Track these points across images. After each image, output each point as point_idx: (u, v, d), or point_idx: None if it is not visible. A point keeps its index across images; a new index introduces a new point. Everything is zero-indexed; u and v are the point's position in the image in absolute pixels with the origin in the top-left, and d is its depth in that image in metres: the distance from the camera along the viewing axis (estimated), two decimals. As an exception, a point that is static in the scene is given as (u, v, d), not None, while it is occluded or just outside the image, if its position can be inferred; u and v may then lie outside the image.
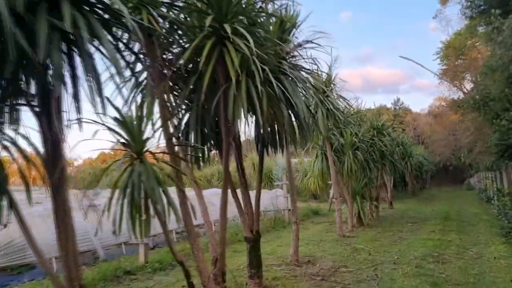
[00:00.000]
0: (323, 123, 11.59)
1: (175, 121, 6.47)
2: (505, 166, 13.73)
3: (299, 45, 7.05)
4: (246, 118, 6.46)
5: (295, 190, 17.47)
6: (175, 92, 6.17)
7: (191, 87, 5.73)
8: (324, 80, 12.18)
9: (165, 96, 5.85)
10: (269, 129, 6.63)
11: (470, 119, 27.60)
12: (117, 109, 4.78)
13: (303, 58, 7.34)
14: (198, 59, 5.33)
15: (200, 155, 6.71)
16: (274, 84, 5.52)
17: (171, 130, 5.79)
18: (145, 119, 5.11)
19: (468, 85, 28.96)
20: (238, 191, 7.32)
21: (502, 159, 13.16)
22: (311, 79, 8.66)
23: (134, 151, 5.02)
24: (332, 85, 12.34)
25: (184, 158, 6.16)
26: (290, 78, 6.32)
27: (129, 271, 8.51)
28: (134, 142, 5.00)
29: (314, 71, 7.97)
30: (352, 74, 78.13)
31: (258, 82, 5.27)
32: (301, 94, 6.56)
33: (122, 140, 4.96)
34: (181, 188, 5.79)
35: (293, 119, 6.79)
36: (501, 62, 11.45)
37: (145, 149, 5.06)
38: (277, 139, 6.92)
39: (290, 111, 6.41)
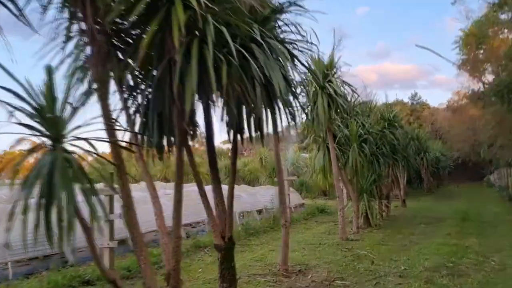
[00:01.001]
0: (324, 111, 10.24)
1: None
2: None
3: (281, 9, 5.70)
4: (210, 99, 5.21)
5: (286, 187, 16.18)
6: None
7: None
8: (325, 63, 10.84)
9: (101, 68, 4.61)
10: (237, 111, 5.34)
11: (491, 111, 25.89)
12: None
13: (293, 32, 6.03)
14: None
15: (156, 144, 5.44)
16: (234, 53, 4.21)
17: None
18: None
19: (490, 77, 27.14)
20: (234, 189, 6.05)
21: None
22: (308, 61, 7.44)
23: (50, 135, 3.81)
24: (335, 69, 10.95)
25: (129, 148, 4.91)
26: (265, 48, 5.02)
27: (88, 280, 7.32)
28: (47, 124, 3.78)
29: (311, 50, 6.55)
30: (368, 70, 76.08)
31: (210, 46, 4.00)
32: (281, 69, 5.22)
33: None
34: (125, 186, 4.57)
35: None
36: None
37: (66, 134, 3.85)
38: (253, 124, 5.61)
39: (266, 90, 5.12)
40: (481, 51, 26.25)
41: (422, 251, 9.32)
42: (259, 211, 17.19)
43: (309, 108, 10.74)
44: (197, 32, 4.31)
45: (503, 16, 22.59)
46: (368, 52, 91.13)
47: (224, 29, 4.20)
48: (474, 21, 26.36)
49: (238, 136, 5.87)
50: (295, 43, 6.09)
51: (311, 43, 6.03)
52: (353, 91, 11.35)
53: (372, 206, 13.55)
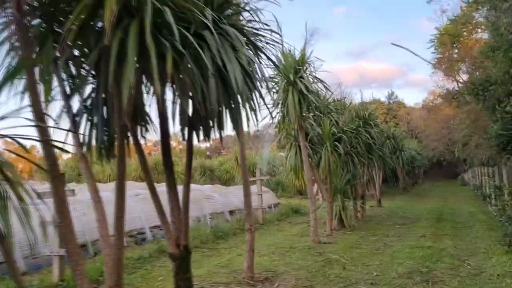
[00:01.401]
0: (294, 108, 9.75)
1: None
2: (505, 160, 11.95)
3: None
4: (162, 92, 4.63)
5: (258, 187, 15.60)
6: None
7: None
8: (296, 58, 10.34)
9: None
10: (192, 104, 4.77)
11: (466, 111, 25.93)
12: None
13: (258, 22, 5.48)
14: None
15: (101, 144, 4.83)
16: (176, 36, 3.65)
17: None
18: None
19: (464, 77, 27.19)
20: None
21: (504, 152, 11.36)
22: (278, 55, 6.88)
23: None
24: (307, 64, 10.47)
25: (61, 148, 4.29)
26: (221, 36, 4.48)
27: (32, 292, 6.65)
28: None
29: (278, 43, 5.98)
30: (346, 69, 76.51)
31: (148, 29, 3.44)
32: (239, 59, 4.66)
33: None
34: (59, 190, 4.00)
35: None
36: (506, 38, 9.63)
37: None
38: (207, 120, 5.04)
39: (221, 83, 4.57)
40: (456, 50, 26.32)
41: (396, 255, 8.91)
42: (232, 212, 16.65)
43: (279, 105, 10.25)
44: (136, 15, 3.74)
45: (477, 15, 22.62)
46: (346, 51, 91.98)
47: (167, 10, 3.63)
48: (449, 20, 26.37)
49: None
50: (261, 35, 5.55)
51: (276, 33, 5.48)
52: (326, 87, 10.90)
53: (347, 206, 13.15)
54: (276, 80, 10.39)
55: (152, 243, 10.89)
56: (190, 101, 4.54)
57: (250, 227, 7.34)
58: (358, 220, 14.70)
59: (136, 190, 20.09)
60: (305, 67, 10.35)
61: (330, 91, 11.54)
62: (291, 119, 10.03)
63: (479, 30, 25.03)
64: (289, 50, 10.28)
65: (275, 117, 10.50)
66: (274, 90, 10.47)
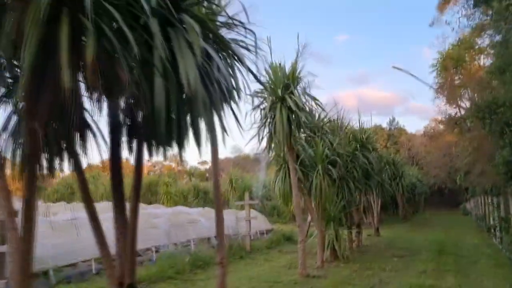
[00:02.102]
0: (282, 126, 8.83)
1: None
2: (515, 190, 10.95)
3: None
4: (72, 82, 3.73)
5: (247, 212, 14.49)
6: None
7: None
8: (287, 72, 9.50)
9: None
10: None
11: (468, 137, 25.01)
12: None
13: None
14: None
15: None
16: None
17: None
18: None
19: (467, 103, 26.42)
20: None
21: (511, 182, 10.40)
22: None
23: None
24: (298, 79, 9.61)
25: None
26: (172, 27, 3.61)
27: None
28: None
29: (261, 49, 5.10)
30: (347, 95, 76.25)
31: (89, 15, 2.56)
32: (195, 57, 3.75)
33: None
34: None
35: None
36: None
37: None
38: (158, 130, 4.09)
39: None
40: (459, 76, 25.62)
41: (393, 295, 7.85)
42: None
43: (267, 123, 9.35)
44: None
45: (479, 41, 21.98)
46: (348, 77, 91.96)
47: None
48: (452, 45, 25.73)
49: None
50: (240, 41, 4.70)
51: (249, 30, 4.59)
52: (318, 105, 9.99)
53: (340, 236, 12.08)
54: (264, 95, 9.51)
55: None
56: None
57: (221, 260, 6.29)
58: (353, 251, 13.60)
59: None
60: (296, 83, 9.48)
61: (324, 109, 10.61)
62: (279, 138, 9.11)
63: (482, 56, 24.38)
64: (279, 64, 9.46)
65: (262, 137, 9.57)
66: (262, 107, 9.61)
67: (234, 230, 14.63)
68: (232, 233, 14.71)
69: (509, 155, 9.89)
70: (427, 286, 8.50)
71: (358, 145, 13.92)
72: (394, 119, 72.66)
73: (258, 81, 7.31)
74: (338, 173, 12.06)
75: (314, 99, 9.85)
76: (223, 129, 4.50)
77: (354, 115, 15.50)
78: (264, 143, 9.82)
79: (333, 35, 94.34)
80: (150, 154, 4.42)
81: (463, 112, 25.98)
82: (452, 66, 24.62)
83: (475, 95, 22.38)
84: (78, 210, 20.96)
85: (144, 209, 20.84)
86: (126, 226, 4.58)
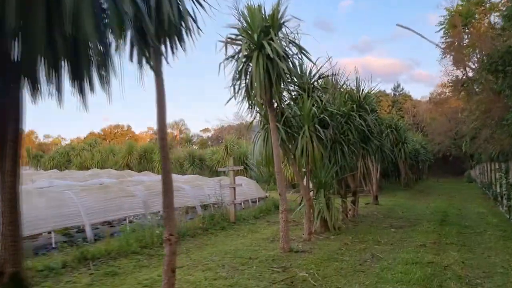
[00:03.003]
0: (259, 78, 7.47)
1: None
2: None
3: None
4: None
5: (231, 178, 13.20)
6: None
7: None
8: (267, 15, 8.05)
9: None
10: None
11: (476, 100, 23.61)
12: None
13: None
14: None
15: None
16: None
17: None
18: None
19: (476, 66, 24.78)
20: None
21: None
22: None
23: None
24: (280, 23, 8.15)
25: None
26: None
27: None
28: None
29: None
30: (351, 63, 74.01)
31: None
32: None
33: None
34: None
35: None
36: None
37: None
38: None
39: None
40: (467, 35, 23.89)
41: (384, 274, 6.64)
42: (206, 207, 14.48)
43: (242, 74, 8.00)
44: None
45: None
46: (352, 45, 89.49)
47: None
48: (461, 0, 23.93)
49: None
50: None
51: None
52: (304, 55, 8.52)
53: (332, 204, 10.88)
54: (239, 43, 8.10)
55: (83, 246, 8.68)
56: None
57: (169, 237, 5.08)
58: (348, 221, 12.45)
59: (103, 179, 17.99)
60: (277, 27, 8.04)
61: (312, 61, 9.15)
62: (256, 93, 7.77)
63: (494, 15, 22.59)
64: (258, 5, 8.00)
65: (238, 93, 8.23)
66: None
67: (217, 198, 13.47)
68: (215, 202, 13.57)
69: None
70: (425, 263, 7.31)
71: (354, 105, 12.55)
72: (399, 85, 70.88)
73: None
74: (331, 135, 10.80)
75: (299, 48, 8.39)
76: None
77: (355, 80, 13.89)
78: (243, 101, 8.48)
79: (337, 1, 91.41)
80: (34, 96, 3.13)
81: (470, 74, 24.45)
82: (460, 24, 22.87)
83: (484, 55, 20.85)
84: (64, 178, 19.98)
85: (123, 177, 19.85)
86: (14, 204, 3.34)
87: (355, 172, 13.43)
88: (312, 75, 10.79)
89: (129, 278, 6.74)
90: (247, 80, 8.01)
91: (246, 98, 8.26)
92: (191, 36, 5.02)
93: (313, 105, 9.69)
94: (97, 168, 37.84)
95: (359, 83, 13.33)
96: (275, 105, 8.77)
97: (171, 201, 5.19)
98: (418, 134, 41.30)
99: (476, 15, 22.98)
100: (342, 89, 12.91)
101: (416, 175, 36.75)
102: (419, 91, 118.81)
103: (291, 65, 8.31)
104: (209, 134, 78.24)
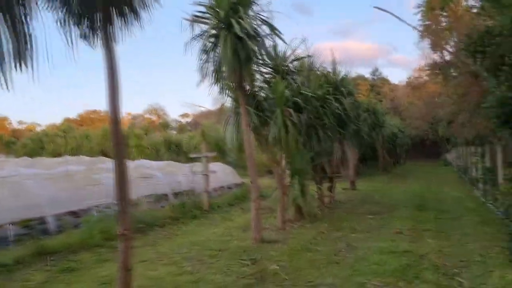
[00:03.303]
0: (227, 59, 6.98)
1: None
2: (508, 136, 9.32)
3: None
4: None
5: (204, 165, 12.63)
6: None
7: None
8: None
9: None
10: None
11: (453, 84, 23.58)
12: None
13: None
14: None
15: None
16: None
17: None
18: None
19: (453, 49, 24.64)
20: None
21: (507, 126, 8.80)
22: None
23: None
24: (250, 0, 7.63)
25: None
26: None
27: None
28: None
29: None
30: (329, 47, 73.63)
31: None
32: None
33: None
34: None
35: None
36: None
37: None
38: None
39: None
40: (445, 18, 23.73)
41: (359, 266, 6.32)
42: (178, 194, 14.01)
43: (209, 53, 7.48)
44: None
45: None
46: (330, 30, 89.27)
47: None
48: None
49: None
50: None
51: None
52: (277, 35, 8.01)
53: (307, 191, 10.53)
54: (206, 21, 7.55)
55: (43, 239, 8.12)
56: None
57: (123, 232, 4.60)
58: (324, 208, 12.15)
59: (71, 166, 17.25)
60: (247, 5, 7.51)
61: (284, 42, 8.63)
62: (224, 74, 7.27)
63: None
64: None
65: (206, 75, 7.70)
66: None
67: (189, 185, 13.01)
68: (187, 189, 13.10)
69: (503, 96, 8.27)
70: (401, 252, 7.02)
71: (330, 89, 12.16)
72: (377, 69, 70.97)
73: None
74: (306, 119, 10.41)
75: (271, 28, 7.87)
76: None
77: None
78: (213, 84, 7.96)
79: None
80: None
81: (448, 58, 24.35)
82: (438, 6, 22.64)
83: (462, 37, 20.71)
84: (32, 166, 19.15)
85: (95, 164, 19.12)
86: None
87: (332, 157, 13.10)
88: (286, 57, 10.35)
89: (88, 274, 6.26)
90: (215, 62, 7.48)
91: (215, 81, 7.73)
92: (146, 8, 4.52)
93: (286, 87, 9.22)
94: (72, 155, 36.77)
95: (335, 65, 12.94)
96: (247, 87, 8.32)
97: (125, 193, 4.68)
98: (396, 118, 41.43)
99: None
100: (318, 72, 12.52)
101: (394, 159, 36.84)
102: (397, 76, 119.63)
103: (262, 46, 7.81)
104: (188, 120, 77.26)
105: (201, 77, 7.67)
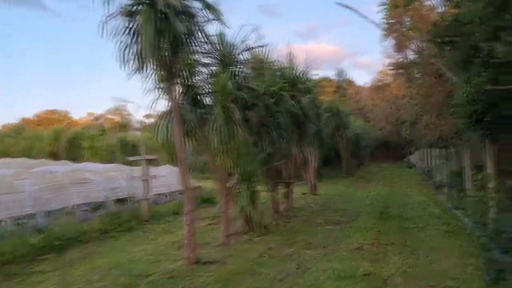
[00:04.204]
0: (149, 40, 5.62)
1: None
2: (481, 137, 8.26)
3: None
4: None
5: (144, 169, 11.05)
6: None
7: None
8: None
9: None
10: None
11: (417, 85, 23.04)
12: None
13: None
14: None
15: None
16: None
17: None
18: None
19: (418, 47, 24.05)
20: None
21: (477, 126, 7.80)
22: None
23: None
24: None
25: None
26: None
27: None
28: None
29: None
30: (296, 49, 73.34)
31: None
32: None
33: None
34: None
35: None
36: None
37: None
38: None
39: None
40: (408, 17, 23.12)
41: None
42: (121, 201, 12.55)
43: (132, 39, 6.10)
44: None
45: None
46: (297, 32, 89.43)
47: None
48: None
49: None
50: None
51: None
52: (213, 13, 6.68)
53: (258, 199, 9.27)
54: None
55: None
56: None
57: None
58: (280, 216, 10.95)
59: None
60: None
61: (225, 24, 7.28)
62: (145, 59, 5.91)
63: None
64: None
65: (126, 61, 6.30)
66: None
67: (130, 192, 11.56)
68: (127, 196, 11.66)
69: (474, 92, 7.26)
70: (360, 276, 5.83)
71: (286, 85, 10.98)
72: (342, 71, 71.04)
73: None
74: (257, 117, 9.20)
75: (206, 5, 6.54)
76: None
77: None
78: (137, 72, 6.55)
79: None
80: None
81: (412, 57, 23.80)
82: (402, 3, 21.96)
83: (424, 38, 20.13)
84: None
85: (27, 168, 17.27)
86: None
87: (287, 160, 11.90)
88: (235, 46, 9.08)
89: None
90: (138, 45, 6.10)
91: (140, 69, 6.34)
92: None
93: (231, 79, 7.93)
94: (21, 156, 34.29)
95: (292, 59, 11.77)
96: (182, 79, 6.99)
97: None
98: (361, 120, 41.02)
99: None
100: (274, 67, 11.35)
101: (358, 161, 36.25)
102: (362, 78, 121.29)
103: (200, 30, 6.49)
104: (152, 120, 74.84)
105: (122, 65, 6.26)
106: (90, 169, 15.65)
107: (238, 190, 9.07)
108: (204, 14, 6.69)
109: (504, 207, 7.46)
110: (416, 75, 25.51)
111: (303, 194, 15.89)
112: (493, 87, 6.69)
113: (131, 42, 6.18)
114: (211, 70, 8.37)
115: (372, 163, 44.33)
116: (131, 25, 6.02)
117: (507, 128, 7.51)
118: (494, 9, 6.46)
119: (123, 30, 6.06)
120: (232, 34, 8.70)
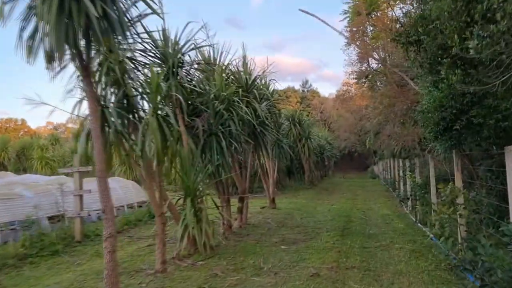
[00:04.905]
0: (53, 23, 4.49)
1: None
2: (447, 146, 7.49)
3: None
4: None
5: (77, 180, 9.81)
6: None
7: None
8: None
9: None
10: None
11: (380, 94, 22.66)
12: None
13: None
14: None
15: None
16: None
17: None
18: None
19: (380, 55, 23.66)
20: None
21: (445, 138, 7.01)
22: None
23: None
24: None
25: None
26: None
27: None
28: None
29: None
30: (262, 61, 73.26)
31: None
32: None
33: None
34: None
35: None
36: None
37: None
38: None
39: None
40: (372, 26, 22.74)
41: None
42: (56, 218, 11.19)
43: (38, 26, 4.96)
44: None
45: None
46: (264, 44, 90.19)
47: None
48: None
49: None
50: None
51: None
52: (157, 14, 5.59)
53: (205, 217, 8.16)
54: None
55: None
56: None
57: None
58: (231, 235, 9.88)
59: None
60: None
61: (157, 13, 6.20)
62: (53, 49, 4.77)
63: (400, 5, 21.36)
64: None
65: (34, 54, 5.12)
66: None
67: (58, 208, 10.22)
68: (59, 213, 10.31)
69: (446, 95, 6.49)
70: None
71: (240, 90, 10.02)
72: (307, 81, 71.37)
73: None
74: (204, 125, 8.15)
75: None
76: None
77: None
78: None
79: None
80: None
81: (375, 66, 23.48)
82: (365, 11, 21.51)
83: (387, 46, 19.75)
84: None
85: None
86: None
87: (241, 172, 10.88)
88: (180, 45, 8.04)
89: None
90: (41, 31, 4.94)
91: (48, 61, 5.17)
92: None
93: (175, 80, 6.86)
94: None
95: (246, 62, 10.81)
96: (107, 78, 5.86)
97: None
98: (325, 130, 40.65)
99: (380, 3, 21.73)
100: (227, 70, 10.39)
101: (321, 172, 35.68)
102: (327, 89, 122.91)
103: (124, 15, 5.38)
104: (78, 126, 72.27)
105: (27, 55, 5.08)
106: (28, 182, 14.10)
107: (181, 207, 8.00)
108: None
109: (475, 227, 6.70)
110: (379, 84, 25.28)
111: (262, 208, 14.88)
112: (464, 87, 5.92)
113: (36, 28, 5.03)
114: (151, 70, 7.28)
115: (336, 173, 44.02)
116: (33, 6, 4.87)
117: (476, 137, 6.77)
118: (464, 1, 5.68)
119: (25, 12, 4.90)
120: (178, 32, 7.69)
